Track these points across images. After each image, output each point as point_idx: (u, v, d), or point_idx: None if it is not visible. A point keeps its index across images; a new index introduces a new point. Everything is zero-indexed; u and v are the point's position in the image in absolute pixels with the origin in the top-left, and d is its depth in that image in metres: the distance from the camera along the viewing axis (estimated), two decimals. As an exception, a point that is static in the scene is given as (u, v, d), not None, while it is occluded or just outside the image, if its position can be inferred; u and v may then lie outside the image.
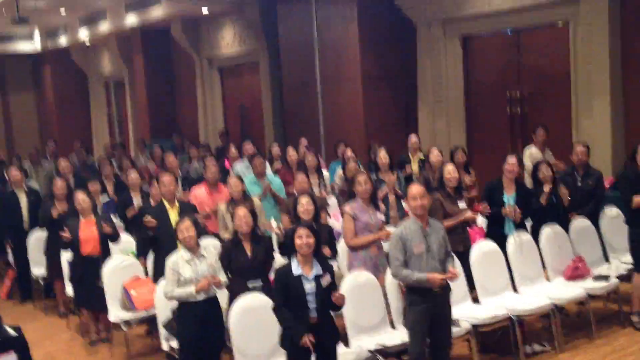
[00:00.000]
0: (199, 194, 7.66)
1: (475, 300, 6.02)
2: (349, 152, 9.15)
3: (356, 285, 5.51)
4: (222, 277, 5.27)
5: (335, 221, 7.56)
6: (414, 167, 8.95)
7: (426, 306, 4.84)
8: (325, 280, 4.58)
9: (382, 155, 8.13)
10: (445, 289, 4.94)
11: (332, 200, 8.50)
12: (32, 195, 8.57)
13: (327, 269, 4.65)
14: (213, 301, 5.25)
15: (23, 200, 8.41)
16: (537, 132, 8.60)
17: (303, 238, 4.55)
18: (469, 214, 6.27)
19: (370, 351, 5.16)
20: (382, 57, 11.41)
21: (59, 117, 19.52)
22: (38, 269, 8.07)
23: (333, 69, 11.81)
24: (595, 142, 8.38)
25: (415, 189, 4.99)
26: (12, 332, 4.69)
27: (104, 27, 16.16)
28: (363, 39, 11.31)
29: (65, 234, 6.67)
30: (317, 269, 4.59)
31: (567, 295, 6.13)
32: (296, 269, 4.57)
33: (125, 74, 17.41)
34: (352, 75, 11.48)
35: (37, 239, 8.07)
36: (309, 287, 4.54)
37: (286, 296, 4.56)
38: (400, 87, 11.52)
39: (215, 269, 5.26)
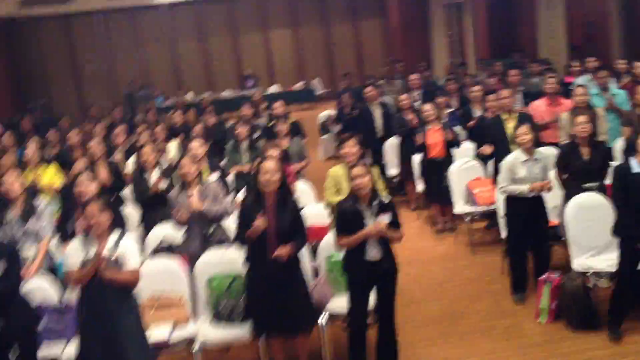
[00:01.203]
0: (539, 105, 8.06)
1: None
2: None
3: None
4: (551, 180, 5.81)
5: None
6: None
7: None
8: None
9: None
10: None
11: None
12: (385, 108, 9.81)
13: None
14: (540, 200, 5.85)
15: (377, 113, 9.69)
16: None
17: None
18: None
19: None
20: None
21: (403, 40, 20.98)
22: (392, 170, 9.34)
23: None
24: None
25: None
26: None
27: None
28: None
29: (419, 139, 7.77)
30: None
31: None
32: (636, 166, 4.86)
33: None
34: None
35: (391, 145, 9.34)
36: None
37: (626, 193, 4.87)
38: None
39: (546, 173, 5.79)
